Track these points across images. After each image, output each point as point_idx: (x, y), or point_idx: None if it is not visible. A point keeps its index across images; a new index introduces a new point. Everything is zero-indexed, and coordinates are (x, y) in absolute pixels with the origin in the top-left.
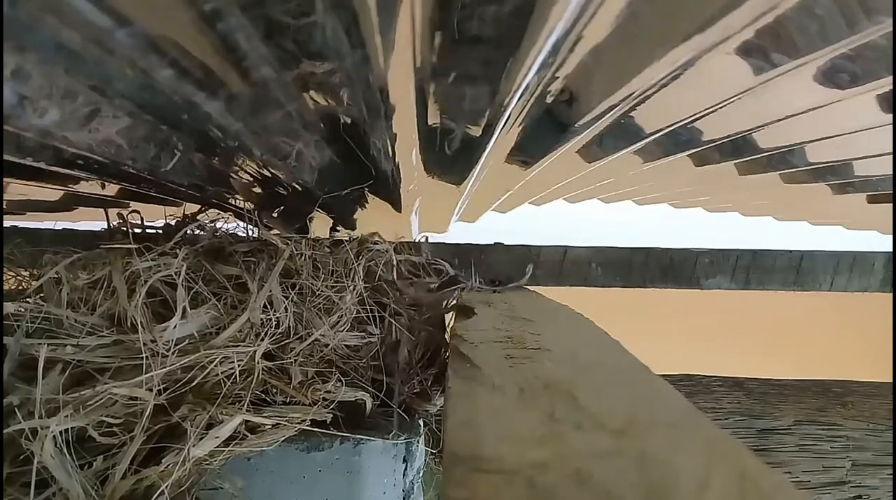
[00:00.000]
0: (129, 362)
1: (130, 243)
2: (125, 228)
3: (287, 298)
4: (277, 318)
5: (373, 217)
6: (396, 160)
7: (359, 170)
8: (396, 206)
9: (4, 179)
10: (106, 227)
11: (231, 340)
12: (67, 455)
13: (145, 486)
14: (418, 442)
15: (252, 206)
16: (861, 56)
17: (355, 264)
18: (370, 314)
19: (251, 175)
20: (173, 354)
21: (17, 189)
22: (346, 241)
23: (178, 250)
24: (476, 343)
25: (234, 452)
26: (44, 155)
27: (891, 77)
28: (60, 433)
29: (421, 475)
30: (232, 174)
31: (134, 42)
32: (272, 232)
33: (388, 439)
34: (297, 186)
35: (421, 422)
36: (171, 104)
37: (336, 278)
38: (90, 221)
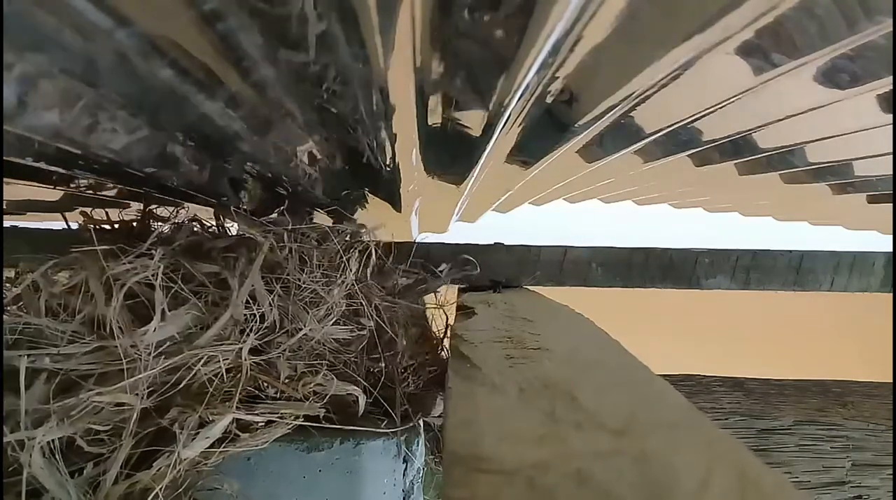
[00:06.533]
0: (112, 367)
1: (105, 246)
2: (94, 227)
3: (271, 292)
4: (262, 313)
5: (373, 217)
6: (396, 160)
7: (358, 170)
8: (396, 206)
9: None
10: (90, 227)
11: (215, 338)
12: (58, 463)
13: (139, 489)
14: (418, 442)
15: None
16: (861, 56)
17: (345, 258)
18: (359, 308)
19: (251, 175)
20: (156, 357)
21: (16, 190)
22: (337, 233)
23: (153, 251)
24: (476, 343)
25: (227, 452)
26: (43, 155)
27: (891, 77)
28: (49, 441)
29: (421, 475)
30: (232, 174)
31: (134, 42)
32: (251, 226)
33: (387, 436)
34: (296, 186)
35: (421, 422)
36: (170, 105)
37: (323, 271)
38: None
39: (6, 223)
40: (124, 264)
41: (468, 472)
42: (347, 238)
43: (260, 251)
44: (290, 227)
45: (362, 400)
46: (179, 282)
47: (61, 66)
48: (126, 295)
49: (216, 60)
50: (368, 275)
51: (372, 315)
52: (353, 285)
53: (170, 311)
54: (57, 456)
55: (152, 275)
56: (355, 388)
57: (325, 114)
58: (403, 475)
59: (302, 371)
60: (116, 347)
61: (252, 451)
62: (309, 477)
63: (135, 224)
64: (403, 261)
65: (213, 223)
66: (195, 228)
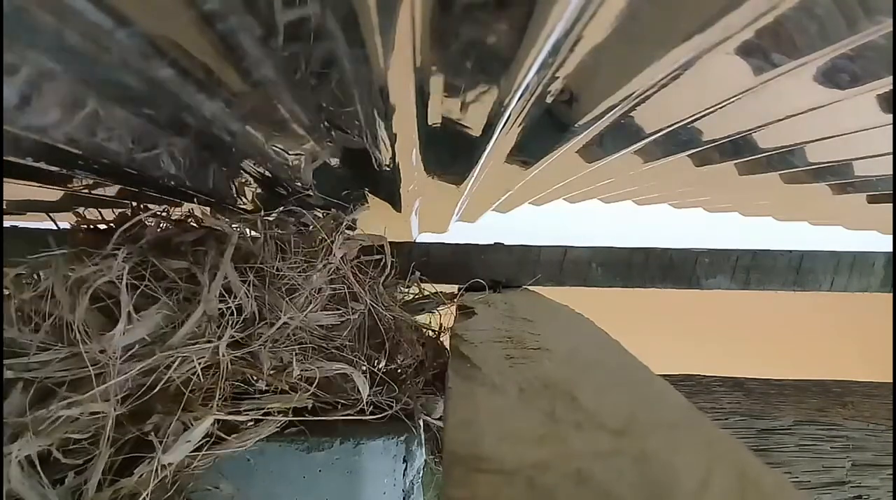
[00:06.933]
0: (84, 375)
1: (68, 249)
2: (84, 227)
3: (245, 282)
4: (238, 305)
5: (373, 217)
6: (396, 160)
7: (358, 170)
8: (396, 206)
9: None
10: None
11: (189, 336)
12: (38, 475)
13: (126, 494)
14: (418, 442)
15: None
16: (861, 56)
17: (328, 242)
18: (348, 292)
19: (251, 175)
20: (127, 361)
21: (16, 190)
22: (322, 215)
23: (117, 252)
24: (476, 343)
25: (213, 455)
26: (43, 155)
27: (891, 77)
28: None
29: (421, 475)
30: (231, 174)
31: (134, 42)
32: (217, 217)
33: (388, 436)
34: (296, 186)
35: (421, 422)
36: (171, 105)
37: (305, 256)
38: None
39: (6, 223)
40: (89, 266)
41: (468, 472)
42: (332, 223)
43: (229, 242)
44: (261, 213)
45: (360, 381)
46: (148, 280)
47: (61, 66)
48: (98, 298)
49: (216, 60)
50: (382, 284)
51: (366, 300)
52: (338, 269)
53: (140, 311)
54: (37, 467)
55: (117, 277)
56: (347, 367)
57: (325, 114)
58: (403, 475)
59: (288, 360)
60: (86, 352)
61: (252, 451)
62: (309, 477)
63: (115, 224)
64: (403, 264)
65: (182, 217)
66: (161, 224)
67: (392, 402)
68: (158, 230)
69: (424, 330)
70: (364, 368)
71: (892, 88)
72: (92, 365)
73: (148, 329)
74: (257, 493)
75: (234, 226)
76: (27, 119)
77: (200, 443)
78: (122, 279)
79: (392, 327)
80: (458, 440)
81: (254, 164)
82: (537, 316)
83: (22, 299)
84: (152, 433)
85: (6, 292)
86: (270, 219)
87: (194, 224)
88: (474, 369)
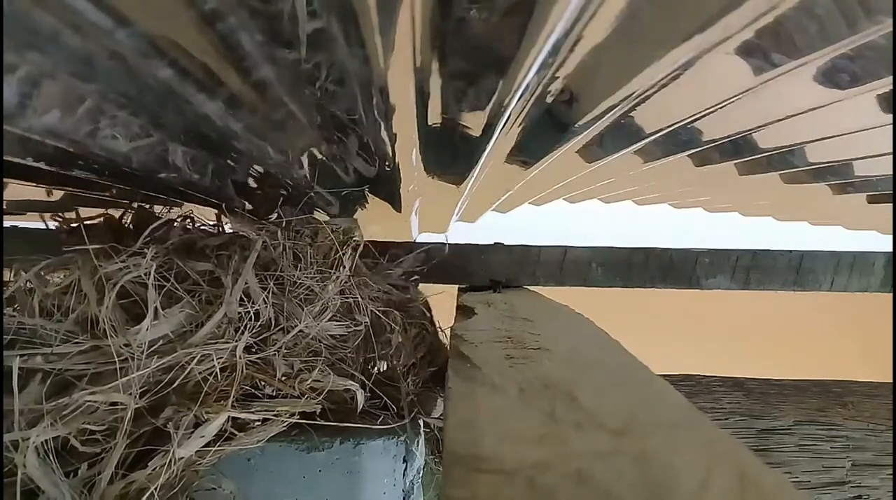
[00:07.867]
0: (106, 367)
1: (94, 245)
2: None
3: (265, 289)
4: (257, 310)
5: (373, 217)
6: (396, 160)
7: (359, 170)
8: (396, 206)
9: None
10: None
11: (209, 336)
12: (53, 463)
13: (135, 489)
14: (418, 442)
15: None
16: (861, 56)
17: (339, 254)
18: (356, 303)
19: (251, 175)
20: (150, 356)
21: (16, 190)
22: (332, 230)
23: (146, 250)
24: (476, 343)
25: (223, 451)
26: (43, 155)
27: (891, 77)
28: (44, 442)
29: (421, 475)
30: (232, 175)
31: (134, 42)
32: (244, 224)
33: (387, 436)
34: (296, 186)
35: (421, 422)
36: (170, 105)
37: (318, 267)
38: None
39: (6, 223)
40: (116, 263)
41: (468, 472)
42: (341, 235)
43: (253, 249)
44: (283, 222)
45: (360, 396)
46: (172, 280)
47: (61, 66)
48: (120, 294)
49: (216, 60)
50: (361, 267)
51: (368, 311)
52: (348, 280)
53: (163, 309)
54: (52, 457)
55: (145, 273)
56: (353, 383)
57: (325, 114)
58: (403, 475)
59: (298, 368)
60: (109, 346)
61: (252, 451)
62: (309, 477)
63: (130, 224)
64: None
65: (207, 221)
66: (188, 226)
67: (393, 405)
68: (183, 232)
69: (424, 325)
70: (364, 380)
71: (892, 87)
72: (115, 359)
73: (172, 326)
74: (257, 493)
75: (258, 233)
76: (27, 120)
77: (211, 439)
78: (149, 276)
79: (392, 323)
80: (458, 440)
81: (254, 164)
82: (537, 316)
83: (45, 292)
84: (171, 425)
85: (26, 285)
86: (289, 227)
87: (220, 228)
88: (474, 369)
